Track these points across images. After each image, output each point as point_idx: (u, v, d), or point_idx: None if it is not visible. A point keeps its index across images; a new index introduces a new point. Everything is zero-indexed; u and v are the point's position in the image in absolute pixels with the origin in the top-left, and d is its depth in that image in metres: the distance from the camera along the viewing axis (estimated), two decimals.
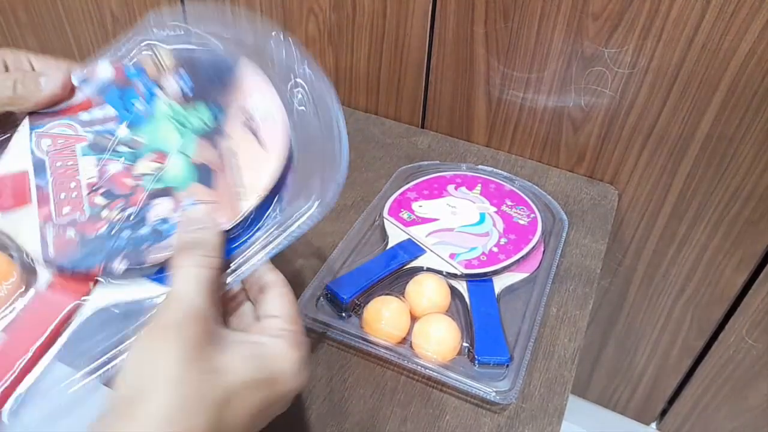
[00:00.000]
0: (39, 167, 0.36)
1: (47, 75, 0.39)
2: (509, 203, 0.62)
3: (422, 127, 0.78)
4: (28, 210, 0.35)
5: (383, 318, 0.48)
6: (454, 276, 0.53)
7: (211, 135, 0.37)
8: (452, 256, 0.54)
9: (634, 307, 0.81)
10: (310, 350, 0.48)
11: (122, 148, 0.36)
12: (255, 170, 0.35)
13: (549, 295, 0.53)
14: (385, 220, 0.59)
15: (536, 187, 0.66)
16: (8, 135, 0.37)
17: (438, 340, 0.46)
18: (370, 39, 0.74)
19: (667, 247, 0.73)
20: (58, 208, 0.34)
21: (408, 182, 0.64)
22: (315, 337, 0.49)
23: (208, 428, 0.26)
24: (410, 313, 0.49)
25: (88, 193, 0.35)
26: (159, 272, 0.33)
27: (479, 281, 0.53)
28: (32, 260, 0.34)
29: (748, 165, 0.63)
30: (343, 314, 0.50)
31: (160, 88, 0.38)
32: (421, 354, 0.46)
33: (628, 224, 0.74)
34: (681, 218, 0.70)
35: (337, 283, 0.51)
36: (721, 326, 0.76)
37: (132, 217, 0.34)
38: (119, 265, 0.33)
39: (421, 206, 0.61)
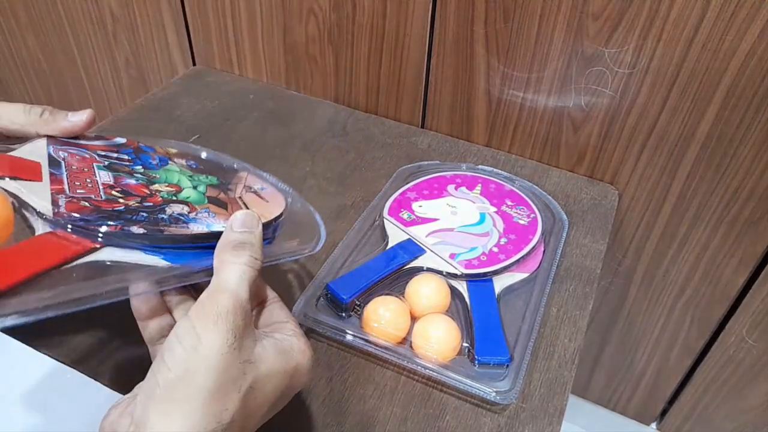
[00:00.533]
0: (54, 163, 0.38)
1: (75, 113, 0.42)
2: (509, 203, 0.62)
3: (422, 127, 0.78)
4: (42, 184, 0.35)
5: (383, 318, 0.48)
6: (454, 276, 0.53)
7: (219, 187, 0.43)
8: (452, 256, 0.54)
9: (634, 307, 0.81)
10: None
11: (138, 174, 0.40)
12: (260, 208, 0.42)
13: (549, 295, 0.53)
14: (385, 220, 0.59)
15: (536, 187, 0.66)
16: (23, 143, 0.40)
17: (438, 340, 0.46)
18: (370, 39, 0.74)
19: (667, 247, 0.73)
20: (72, 187, 0.36)
21: (408, 182, 0.64)
22: (315, 337, 0.49)
23: (236, 411, 0.29)
24: (410, 313, 0.49)
25: (105, 188, 0.37)
26: (167, 248, 0.35)
27: (479, 281, 0.53)
28: (42, 217, 0.33)
29: (748, 165, 0.63)
30: (343, 314, 0.50)
31: (169, 161, 0.44)
32: (421, 354, 0.46)
33: (629, 224, 0.73)
34: (681, 218, 0.70)
35: (337, 283, 0.51)
36: (721, 326, 0.76)
37: (149, 208, 0.36)
38: (136, 230, 0.34)
39: (421, 206, 0.61)
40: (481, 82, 0.70)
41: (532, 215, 0.60)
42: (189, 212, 0.37)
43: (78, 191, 0.35)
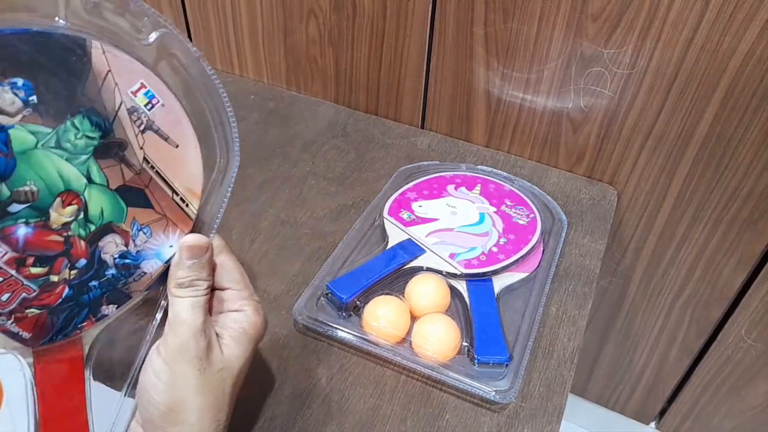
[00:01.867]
0: None
1: None
2: (509, 203, 0.62)
3: (422, 127, 0.78)
4: None
5: (383, 317, 0.48)
6: (454, 276, 0.53)
7: (107, 150, 0.29)
8: (452, 255, 0.55)
9: (633, 307, 0.81)
10: (308, 347, 0.48)
11: (15, 208, 0.28)
12: (178, 170, 0.32)
13: (548, 295, 0.53)
14: (385, 220, 0.59)
15: (536, 188, 0.66)
16: None
17: (437, 340, 0.47)
18: (370, 39, 0.74)
19: (666, 246, 0.73)
20: None
21: (408, 182, 0.65)
22: (315, 337, 0.49)
23: (228, 409, 0.34)
24: (410, 312, 0.49)
25: (17, 271, 0.29)
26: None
27: (479, 281, 0.53)
28: (16, 357, 0.30)
29: (746, 165, 0.63)
30: (343, 314, 0.50)
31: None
32: (420, 353, 0.47)
33: (627, 224, 0.74)
34: (680, 218, 0.70)
35: (336, 283, 0.51)
36: (720, 326, 0.77)
37: (88, 268, 0.30)
38: (108, 310, 0.32)
39: (420, 206, 0.61)
40: (480, 83, 0.71)
41: (532, 215, 0.60)
42: (126, 245, 0.31)
43: (3, 297, 0.29)
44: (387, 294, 0.50)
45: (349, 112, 0.80)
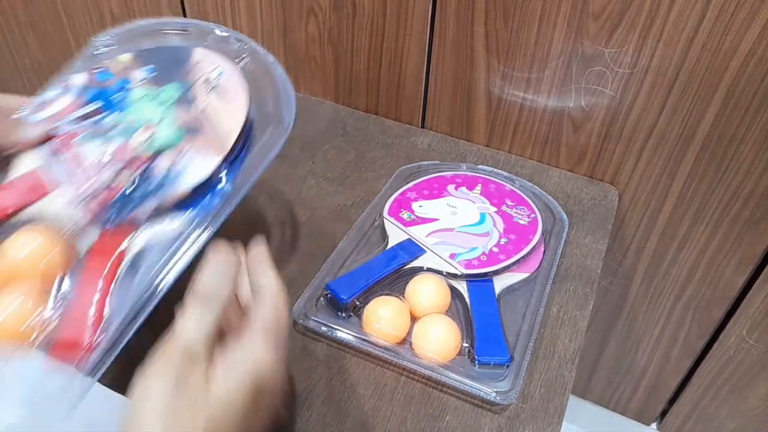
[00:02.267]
0: (46, 165, 0.41)
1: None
2: (509, 203, 0.62)
3: (422, 127, 0.78)
4: (53, 196, 0.40)
5: (383, 318, 0.48)
6: (455, 276, 0.53)
7: (184, 103, 0.44)
8: (452, 256, 0.54)
9: (635, 308, 0.81)
10: (308, 347, 0.48)
11: (113, 132, 0.42)
12: (222, 122, 0.43)
13: (549, 295, 0.53)
14: (385, 220, 0.59)
15: (536, 188, 0.66)
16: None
17: (438, 340, 0.46)
18: (370, 39, 0.74)
19: (667, 247, 0.73)
20: (76, 188, 0.40)
21: (408, 182, 0.64)
22: (315, 337, 0.49)
23: None
24: (410, 312, 0.49)
25: (98, 171, 0.41)
26: (180, 208, 0.40)
27: (479, 281, 0.53)
28: (73, 229, 0.39)
29: (748, 165, 0.63)
30: (343, 314, 0.50)
31: (130, 81, 0.45)
32: (421, 354, 0.47)
33: (629, 224, 0.74)
34: (681, 218, 0.70)
35: (336, 284, 0.51)
36: (721, 326, 0.76)
37: (141, 177, 0.40)
38: (148, 208, 0.39)
39: (421, 206, 0.60)
40: (481, 82, 0.70)
41: (533, 215, 0.60)
42: (172, 166, 0.41)
43: (82, 188, 0.40)
44: (387, 294, 0.50)
45: (349, 112, 0.80)
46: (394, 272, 0.53)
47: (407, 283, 0.51)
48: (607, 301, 0.82)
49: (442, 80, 0.73)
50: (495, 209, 0.61)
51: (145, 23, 0.49)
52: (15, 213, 0.39)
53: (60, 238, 0.38)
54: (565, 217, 0.62)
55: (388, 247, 0.56)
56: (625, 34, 0.60)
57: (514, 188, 0.64)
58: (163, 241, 0.38)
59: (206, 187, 0.41)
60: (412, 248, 0.55)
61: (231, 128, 0.43)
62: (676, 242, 0.72)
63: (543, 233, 0.58)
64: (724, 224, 0.68)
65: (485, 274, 0.53)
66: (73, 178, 0.40)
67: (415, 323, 0.48)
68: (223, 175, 0.42)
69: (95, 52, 0.48)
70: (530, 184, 0.66)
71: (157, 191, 0.40)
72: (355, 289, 0.50)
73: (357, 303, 0.50)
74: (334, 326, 0.48)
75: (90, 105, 0.43)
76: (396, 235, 0.57)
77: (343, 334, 0.48)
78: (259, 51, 0.49)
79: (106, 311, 0.37)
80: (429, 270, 0.53)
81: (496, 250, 0.55)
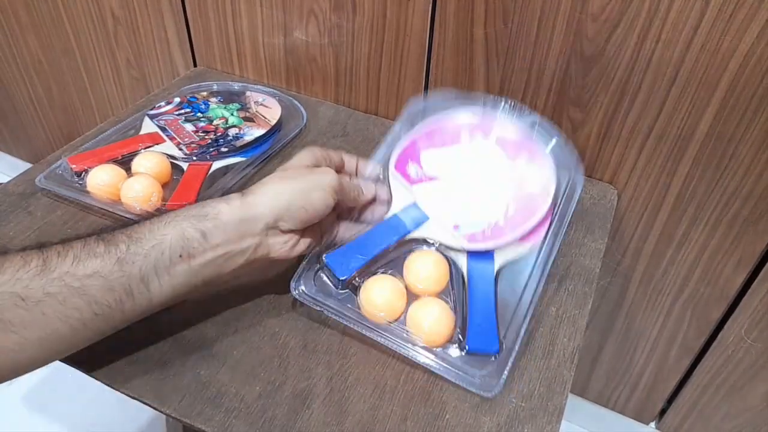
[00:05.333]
0: (162, 129, 0.69)
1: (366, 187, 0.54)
2: (526, 157, 0.58)
3: None
4: (167, 144, 0.67)
5: (378, 299, 0.47)
6: (456, 250, 0.52)
7: (242, 110, 0.75)
8: (456, 227, 0.53)
9: (634, 307, 0.81)
10: (308, 347, 0.48)
11: (201, 118, 0.72)
12: (268, 117, 0.75)
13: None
14: (391, 178, 0.56)
15: (557, 132, 0.59)
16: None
17: (429, 327, 0.46)
18: (370, 39, 0.74)
19: (666, 246, 0.73)
20: (180, 140, 0.68)
21: (419, 124, 0.60)
22: (311, 314, 0.49)
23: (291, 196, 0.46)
24: (408, 290, 0.49)
25: (194, 133, 0.69)
26: (239, 154, 0.67)
27: (481, 255, 0.52)
28: (178, 159, 0.65)
29: (747, 165, 0.63)
30: (341, 290, 0.49)
31: (208, 102, 0.76)
32: (412, 338, 0.46)
33: (628, 224, 0.74)
34: (680, 218, 0.70)
35: (334, 257, 0.50)
36: (720, 326, 0.77)
37: (219, 138, 0.68)
38: (222, 150, 0.67)
39: (430, 157, 0.57)
40: (480, 83, 0.71)
41: (546, 176, 0.57)
42: (239, 132, 0.70)
43: (185, 140, 0.67)
44: (383, 273, 0.50)
45: (349, 112, 0.80)
46: (397, 242, 0.52)
47: (407, 256, 0.51)
48: (606, 300, 0.83)
49: (441, 81, 0.73)
50: (509, 165, 0.57)
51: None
52: (145, 148, 0.66)
53: (167, 161, 0.64)
54: (580, 175, 0.59)
55: (390, 214, 0.54)
56: (624, 34, 0.60)
57: (531, 138, 0.59)
58: (228, 167, 0.65)
59: (254, 144, 0.69)
60: (415, 215, 0.53)
61: (271, 119, 0.73)
62: (675, 242, 0.72)
63: (554, 199, 0.56)
64: (723, 224, 0.68)
65: (488, 249, 0.52)
66: (177, 135, 0.68)
67: (410, 306, 0.48)
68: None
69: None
70: (551, 131, 0.60)
71: (227, 144, 0.67)
72: (353, 266, 0.49)
73: (355, 280, 0.49)
74: (331, 306, 0.48)
75: (183, 109, 0.73)
76: (401, 197, 0.55)
77: (339, 314, 0.48)
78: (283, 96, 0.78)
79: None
80: (430, 242, 0.52)
81: (501, 222, 0.53)
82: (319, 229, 0.50)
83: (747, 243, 0.68)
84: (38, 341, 0.38)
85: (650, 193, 0.70)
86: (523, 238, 0.53)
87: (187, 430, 0.66)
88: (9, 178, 0.63)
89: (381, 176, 0.56)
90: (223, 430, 0.42)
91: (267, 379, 0.45)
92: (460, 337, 0.47)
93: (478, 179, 0.57)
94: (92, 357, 0.46)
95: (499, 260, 0.52)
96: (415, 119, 0.62)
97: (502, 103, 0.61)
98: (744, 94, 0.59)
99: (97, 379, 0.45)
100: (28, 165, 1.03)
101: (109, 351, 0.46)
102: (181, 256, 0.42)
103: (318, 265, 0.50)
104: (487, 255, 0.52)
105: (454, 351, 0.47)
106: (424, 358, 0.46)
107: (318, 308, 0.48)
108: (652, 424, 0.94)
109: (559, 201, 0.57)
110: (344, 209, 0.53)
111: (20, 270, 0.38)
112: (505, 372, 0.45)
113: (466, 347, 0.46)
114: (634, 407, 0.94)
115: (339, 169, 0.54)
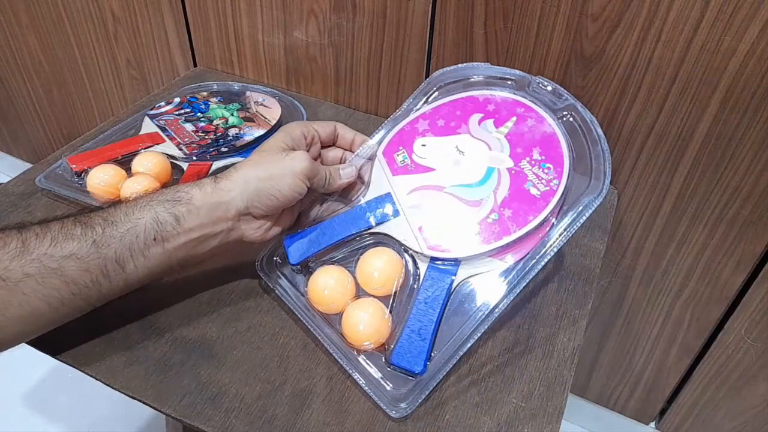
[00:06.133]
0: (162, 129, 0.69)
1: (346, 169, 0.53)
2: (536, 156, 0.49)
3: None
4: (167, 143, 0.67)
5: (322, 290, 0.47)
6: (417, 253, 0.48)
7: (242, 110, 0.75)
8: (420, 229, 0.48)
9: (633, 307, 0.81)
10: (308, 347, 0.48)
11: (201, 119, 0.72)
12: (268, 117, 0.74)
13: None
14: (377, 160, 0.52)
15: (595, 121, 0.50)
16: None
17: (358, 328, 0.45)
18: (370, 39, 0.74)
19: (666, 246, 0.73)
20: (180, 140, 0.67)
21: (432, 99, 0.54)
22: (270, 295, 0.51)
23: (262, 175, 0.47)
24: (358, 286, 0.49)
25: (194, 133, 0.69)
26: (244, 152, 0.66)
27: (444, 263, 0.47)
28: (178, 159, 0.65)
29: (747, 165, 0.63)
30: (295, 273, 0.50)
31: (208, 102, 0.75)
32: (341, 336, 0.46)
33: (627, 224, 0.74)
34: (680, 218, 0.70)
35: (292, 240, 0.50)
36: (720, 326, 0.77)
37: (218, 137, 0.68)
38: (222, 150, 0.66)
39: (424, 145, 0.52)
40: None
41: (554, 182, 0.48)
42: (239, 132, 0.69)
43: (185, 140, 0.67)
44: (336, 264, 0.49)
45: (349, 112, 0.80)
46: (361, 232, 0.49)
47: (366, 250, 0.49)
48: (606, 300, 0.83)
49: None
50: (511, 164, 0.49)
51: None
52: (145, 148, 0.66)
53: (167, 161, 0.64)
54: (608, 185, 0.47)
55: (361, 203, 0.51)
56: (624, 34, 0.60)
57: (555, 130, 0.50)
58: (228, 167, 0.58)
59: (254, 143, 0.68)
60: (385, 208, 0.50)
61: (271, 119, 0.73)
62: (675, 242, 0.72)
63: (555, 207, 0.47)
64: (723, 224, 0.68)
65: (449, 259, 0.47)
66: (178, 136, 0.68)
67: (349, 305, 0.47)
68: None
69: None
70: (589, 116, 0.50)
71: (227, 144, 0.67)
72: (309, 251, 0.49)
73: (310, 264, 0.49)
74: (283, 288, 0.49)
75: (183, 109, 0.73)
76: (379, 184, 0.51)
77: (285, 296, 0.48)
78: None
79: None
80: (388, 242, 0.49)
81: (477, 229, 0.47)
82: (293, 211, 0.51)
83: (747, 243, 0.68)
84: (18, 319, 0.40)
85: (650, 193, 0.70)
86: (500, 252, 0.46)
87: (187, 430, 0.66)
88: (9, 178, 0.63)
89: (372, 156, 0.54)
90: (223, 430, 0.42)
91: (267, 379, 0.45)
92: (389, 347, 0.45)
93: (469, 175, 0.49)
94: (92, 357, 0.46)
95: (462, 273, 0.46)
96: (430, 91, 0.55)
97: (540, 85, 0.52)
98: (744, 94, 0.59)
99: (97, 379, 0.45)
100: (28, 165, 1.03)
101: (109, 351, 0.46)
102: (155, 239, 0.43)
103: (279, 248, 0.51)
104: (452, 264, 0.47)
105: (378, 361, 0.45)
106: (344, 360, 0.45)
107: (271, 285, 0.49)
108: (652, 424, 0.94)
109: (561, 211, 0.47)
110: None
111: (0, 251, 0.39)
112: (421, 397, 0.43)
113: (390, 360, 0.44)
114: (634, 407, 0.94)
115: (326, 143, 0.55)
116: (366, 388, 0.44)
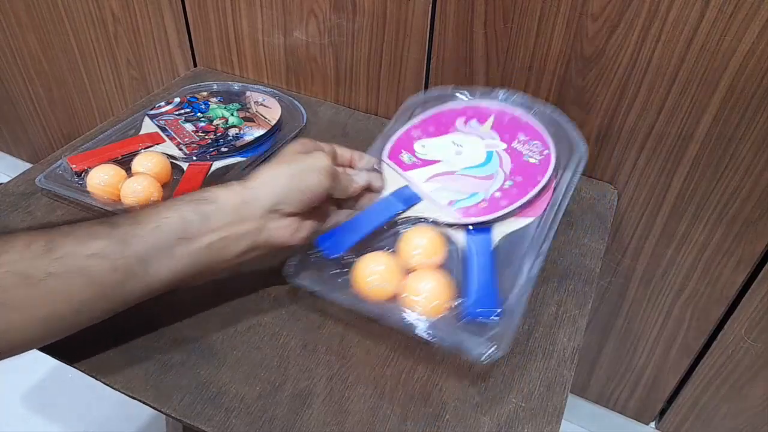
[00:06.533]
0: (162, 129, 0.69)
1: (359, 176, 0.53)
2: (522, 138, 0.57)
3: None
4: (167, 143, 0.67)
5: (372, 275, 0.46)
6: (452, 225, 0.51)
7: (242, 110, 0.75)
8: (451, 203, 0.52)
9: (633, 307, 0.82)
10: (308, 346, 0.48)
11: (201, 118, 0.71)
12: (268, 117, 0.75)
13: (553, 240, 0.51)
14: (383, 164, 0.56)
15: (556, 113, 0.61)
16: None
17: (427, 297, 0.45)
18: (370, 39, 0.74)
19: (666, 246, 0.73)
20: (180, 140, 0.67)
21: (415, 116, 0.61)
22: (305, 298, 0.50)
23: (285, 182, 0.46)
24: (404, 267, 0.48)
25: (194, 133, 0.69)
26: (244, 152, 0.67)
27: (478, 230, 0.51)
28: (178, 159, 0.65)
29: (747, 165, 0.63)
30: (333, 272, 0.48)
31: (208, 102, 0.75)
32: (410, 311, 0.45)
33: (628, 224, 0.74)
34: (680, 218, 0.70)
35: (325, 239, 0.49)
36: (720, 326, 0.77)
37: (218, 137, 0.68)
38: (222, 150, 0.66)
39: (423, 146, 0.57)
40: (480, 83, 0.71)
41: (546, 152, 0.56)
42: (239, 132, 0.69)
43: (185, 140, 0.67)
44: (377, 250, 0.49)
45: (349, 112, 0.80)
46: (387, 223, 0.51)
47: (401, 234, 0.50)
48: (606, 300, 0.83)
49: (442, 81, 0.73)
50: (505, 146, 0.57)
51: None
52: (145, 148, 0.66)
53: (167, 161, 0.64)
54: (582, 146, 0.58)
55: (383, 196, 0.53)
56: (624, 34, 0.60)
57: (529, 120, 0.59)
58: (228, 167, 0.65)
59: (254, 143, 0.69)
60: (408, 196, 0.53)
61: (271, 119, 0.73)
62: (675, 242, 0.72)
63: (555, 170, 0.55)
64: (723, 224, 0.68)
65: (484, 223, 0.51)
66: (177, 136, 0.68)
67: (407, 279, 0.47)
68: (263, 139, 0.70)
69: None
70: (549, 109, 0.61)
71: (227, 144, 0.67)
72: (343, 246, 0.48)
73: (347, 259, 0.48)
74: (324, 287, 0.47)
75: (183, 109, 0.73)
76: (393, 181, 0.54)
77: (332, 294, 0.47)
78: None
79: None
80: (423, 221, 0.51)
81: (498, 195, 0.52)
82: (318, 214, 0.49)
83: (747, 243, 0.68)
84: (42, 320, 0.39)
85: (650, 193, 0.70)
86: (522, 211, 0.52)
87: (187, 430, 0.66)
88: (9, 178, 0.63)
89: (375, 167, 0.56)
90: (223, 430, 0.42)
91: (267, 379, 0.45)
92: (460, 306, 0.46)
93: (474, 159, 0.56)
94: (92, 357, 0.46)
95: (497, 234, 0.51)
96: (411, 112, 0.62)
97: (499, 91, 0.62)
98: (744, 93, 0.59)
99: (97, 378, 0.45)
100: (28, 165, 1.03)
101: (109, 351, 0.46)
102: (181, 238, 0.42)
103: (311, 250, 0.50)
104: (484, 230, 0.51)
105: (453, 320, 0.45)
106: (423, 329, 0.44)
107: (308, 287, 0.48)
108: (652, 424, 0.94)
109: (559, 173, 0.56)
110: (342, 198, 0.53)
111: (26, 250, 0.38)
112: (509, 336, 0.43)
113: (466, 314, 0.45)
114: (634, 407, 0.94)
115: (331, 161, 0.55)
116: (453, 348, 0.44)
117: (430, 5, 0.68)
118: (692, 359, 0.82)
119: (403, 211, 0.52)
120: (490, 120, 0.59)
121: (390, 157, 0.56)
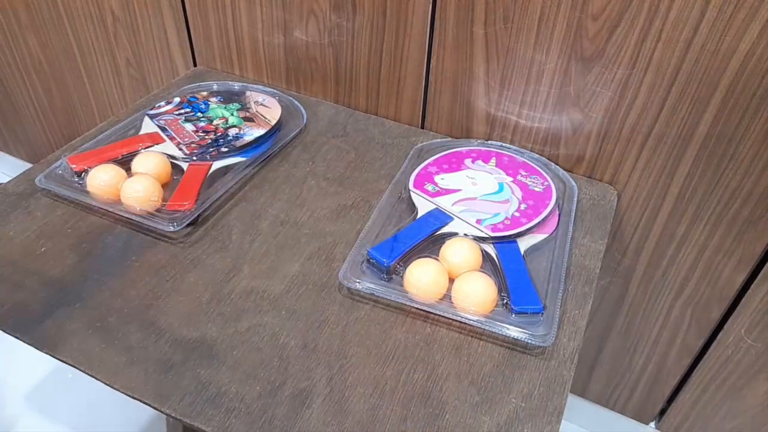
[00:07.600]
0: (162, 129, 0.70)
1: None
2: (523, 173, 0.66)
3: (422, 127, 0.78)
4: (167, 143, 0.67)
5: (424, 278, 0.51)
6: (482, 239, 0.57)
7: (242, 110, 0.75)
8: (479, 221, 0.59)
9: (633, 307, 0.81)
10: (308, 346, 0.48)
11: (201, 118, 0.72)
12: (268, 116, 0.75)
13: (570, 251, 0.58)
14: (411, 192, 0.63)
15: (543, 158, 0.71)
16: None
17: (476, 295, 0.51)
18: (370, 39, 0.74)
19: (666, 246, 0.73)
20: (180, 140, 0.68)
21: (425, 159, 0.68)
22: (361, 300, 0.52)
23: None
24: (448, 272, 0.53)
25: (194, 133, 0.69)
26: (244, 152, 0.68)
27: (505, 243, 0.57)
28: (178, 159, 0.65)
29: (747, 165, 0.63)
30: (385, 277, 0.53)
31: (208, 102, 0.76)
32: (461, 308, 0.51)
33: (628, 224, 0.74)
34: (680, 218, 0.70)
35: (376, 249, 0.55)
36: (720, 326, 0.77)
37: (218, 137, 0.69)
38: (222, 150, 0.67)
39: (443, 179, 0.65)
40: (480, 82, 0.71)
41: (546, 183, 0.65)
42: (239, 132, 0.70)
43: (185, 140, 0.68)
44: (425, 257, 0.54)
45: (349, 112, 0.80)
46: (428, 237, 0.57)
47: (440, 247, 0.55)
48: (606, 300, 0.83)
49: (442, 80, 0.73)
50: (511, 179, 0.65)
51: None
52: (145, 148, 0.66)
53: (167, 161, 0.64)
54: (573, 183, 0.67)
55: (418, 216, 0.60)
56: (625, 34, 0.60)
57: (525, 160, 0.69)
58: (228, 167, 0.66)
59: (254, 143, 0.69)
60: (440, 216, 0.59)
61: (271, 119, 0.73)
62: (675, 242, 0.72)
63: (557, 198, 0.63)
64: (723, 224, 0.68)
65: (510, 236, 0.58)
66: (177, 136, 0.68)
67: (454, 281, 0.52)
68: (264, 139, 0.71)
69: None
70: (538, 155, 0.71)
71: (227, 144, 0.68)
72: (395, 254, 0.54)
73: (398, 266, 0.54)
74: (379, 289, 0.52)
75: (183, 109, 0.74)
76: (424, 205, 0.61)
77: (389, 295, 0.52)
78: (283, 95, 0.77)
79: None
80: (459, 234, 0.57)
81: (517, 214, 0.60)
82: None
83: (747, 243, 0.68)
84: None
85: (650, 193, 0.70)
86: (538, 228, 0.59)
87: (187, 430, 0.66)
88: (9, 178, 0.63)
89: (401, 194, 0.63)
90: (223, 430, 0.42)
91: (267, 379, 0.45)
92: (505, 303, 0.51)
93: (488, 188, 0.64)
94: (92, 357, 0.46)
95: (522, 246, 0.57)
96: (419, 157, 0.70)
97: (495, 142, 0.72)
98: (744, 94, 0.59)
99: (97, 378, 0.45)
100: (28, 165, 1.03)
101: (109, 351, 0.46)
102: None
103: (362, 259, 0.55)
104: (510, 242, 0.58)
105: (503, 314, 0.51)
106: (479, 323, 0.50)
107: (368, 292, 0.52)
108: (652, 424, 0.94)
109: (561, 200, 0.64)
110: None
111: None
112: (555, 325, 0.49)
113: (514, 309, 0.50)
114: (634, 407, 0.94)
115: None
116: (515, 335, 0.49)
117: (430, 5, 0.68)
118: (692, 359, 0.82)
119: (440, 228, 0.58)
120: (493, 160, 0.69)
121: (415, 187, 0.64)
